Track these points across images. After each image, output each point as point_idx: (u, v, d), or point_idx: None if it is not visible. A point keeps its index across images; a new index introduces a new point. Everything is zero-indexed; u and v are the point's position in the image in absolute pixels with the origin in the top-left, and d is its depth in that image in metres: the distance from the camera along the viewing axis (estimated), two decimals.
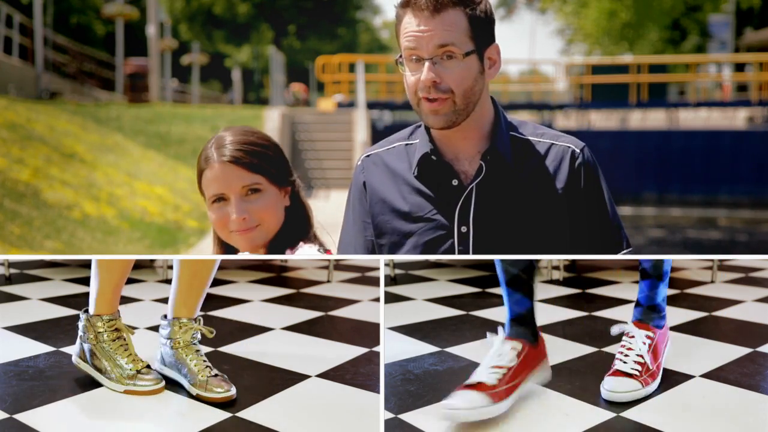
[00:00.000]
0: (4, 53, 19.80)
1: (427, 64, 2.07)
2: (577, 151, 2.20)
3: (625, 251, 2.25)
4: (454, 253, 2.19)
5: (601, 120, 25.06)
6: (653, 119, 24.95)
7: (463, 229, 2.17)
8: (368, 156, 2.31)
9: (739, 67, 32.38)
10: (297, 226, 2.28)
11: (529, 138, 2.22)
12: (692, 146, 21.29)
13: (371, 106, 20.78)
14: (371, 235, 2.28)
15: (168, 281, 5.28)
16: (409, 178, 2.23)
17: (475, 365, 3.23)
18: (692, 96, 25.93)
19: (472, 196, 2.18)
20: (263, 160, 2.21)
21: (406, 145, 2.27)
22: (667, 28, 37.38)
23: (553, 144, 2.21)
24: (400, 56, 2.13)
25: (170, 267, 5.41)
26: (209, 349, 3.51)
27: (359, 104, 19.61)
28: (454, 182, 2.18)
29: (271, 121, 18.01)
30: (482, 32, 2.12)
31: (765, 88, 23.28)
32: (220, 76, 51.16)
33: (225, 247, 2.33)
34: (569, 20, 40.32)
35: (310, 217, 2.32)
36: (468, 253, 2.18)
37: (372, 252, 2.29)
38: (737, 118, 25.71)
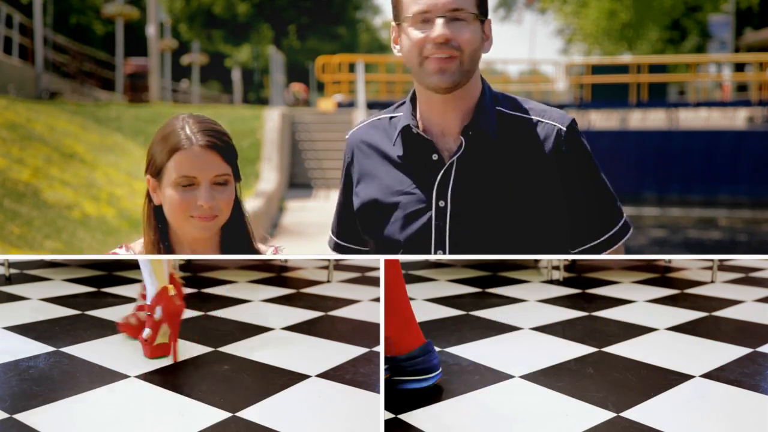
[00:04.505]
0: (4, 53, 19.79)
1: (440, 21, 2.09)
2: (564, 129, 2.17)
3: (621, 223, 2.26)
4: (431, 227, 2.17)
5: (601, 120, 25.04)
6: (653, 119, 24.94)
7: (441, 203, 2.17)
8: (353, 132, 2.34)
9: (739, 67, 32.37)
10: (238, 223, 2.28)
11: (515, 114, 2.20)
12: (692, 146, 21.27)
13: (371, 106, 20.74)
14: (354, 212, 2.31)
15: None
16: (390, 151, 2.24)
17: (475, 365, 3.24)
18: (692, 96, 25.92)
19: (452, 171, 2.17)
20: (233, 152, 2.22)
21: (390, 118, 2.28)
22: (667, 28, 37.38)
23: (539, 121, 2.18)
24: (408, 17, 2.12)
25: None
26: (209, 349, 3.51)
27: (359, 104, 19.60)
28: (434, 156, 2.18)
29: (271, 121, 18.00)
30: (484, 5, 2.16)
31: (765, 88, 23.28)
32: (220, 76, 51.17)
33: (160, 245, 2.27)
34: (569, 20, 40.31)
35: (247, 217, 2.31)
36: (444, 227, 2.16)
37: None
38: (737, 118, 25.70)
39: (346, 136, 2.35)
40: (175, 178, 2.16)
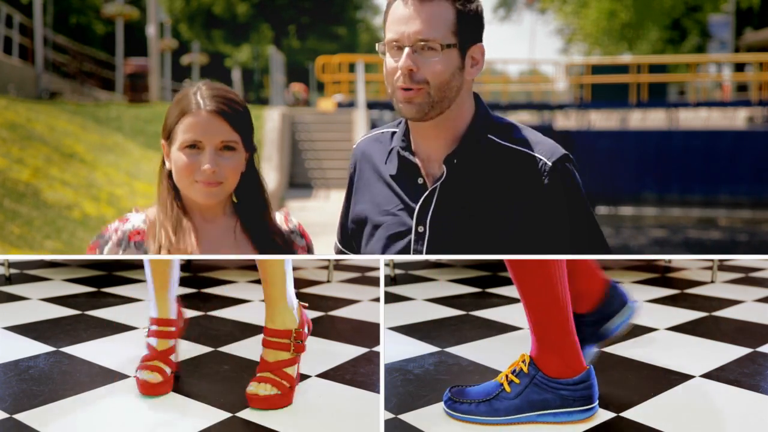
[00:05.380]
0: (4, 53, 19.78)
1: (406, 51, 2.07)
2: (549, 164, 2.13)
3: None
4: (410, 251, 2.18)
5: (601, 120, 25.04)
6: (653, 119, 24.95)
7: (420, 228, 2.17)
8: (359, 143, 2.35)
9: (739, 67, 32.37)
10: (254, 193, 2.30)
11: (505, 144, 2.17)
12: (692, 146, 21.28)
13: (371, 106, 20.75)
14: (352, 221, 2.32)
15: None
16: (383, 169, 2.25)
17: (475, 365, 3.24)
18: (692, 96, 25.91)
19: (433, 198, 2.16)
20: (243, 120, 2.24)
21: (393, 134, 2.27)
22: (667, 28, 37.38)
23: (526, 153, 2.15)
24: (383, 44, 2.13)
25: None
26: (209, 349, 3.51)
27: (359, 104, 19.60)
28: (419, 180, 2.19)
29: (271, 121, 18.00)
30: (468, 29, 2.11)
31: (765, 88, 23.28)
32: (220, 76, 51.16)
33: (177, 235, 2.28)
34: (569, 20, 40.32)
35: (264, 188, 2.33)
36: (422, 252, 2.17)
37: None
38: (737, 118, 25.70)
39: (354, 146, 2.36)
40: (182, 140, 2.20)
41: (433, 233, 2.16)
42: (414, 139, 2.20)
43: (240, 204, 2.31)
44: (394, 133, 2.27)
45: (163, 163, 2.30)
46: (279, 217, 2.36)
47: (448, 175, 2.16)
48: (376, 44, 2.17)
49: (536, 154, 2.15)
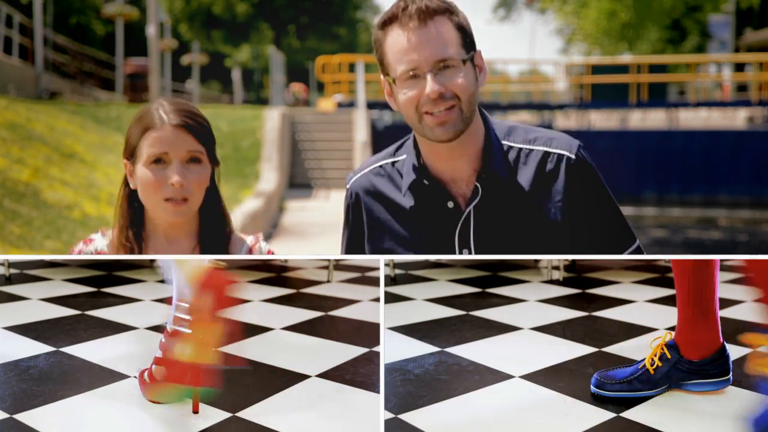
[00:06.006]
0: (4, 53, 19.79)
1: (429, 76, 2.02)
2: (573, 157, 2.14)
3: (634, 246, 2.21)
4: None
5: (601, 120, 25.05)
6: (653, 119, 24.95)
7: (465, 252, 2.14)
8: (355, 179, 2.26)
9: (739, 67, 32.39)
10: (215, 209, 2.28)
11: (522, 147, 2.16)
12: (692, 146, 21.28)
13: (371, 106, 20.76)
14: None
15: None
16: (400, 201, 2.18)
17: (475, 365, 3.24)
18: (692, 96, 25.92)
19: (471, 219, 2.13)
20: (207, 133, 2.23)
21: (393, 163, 2.21)
22: (667, 28, 37.40)
23: (546, 152, 2.14)
24: (393, 79, 2.07)
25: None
26: None
27: (359, 104, 19.60)
28: (450, 204, 2.13)
29: (271, 121, 17.99)
30: (468, 40, 2.09)
31: (765, 88, 23.28)
32: (220, 76, 51.19)
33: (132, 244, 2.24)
34: (569, 20, 40.33)
35: (223, 204, 2.31)
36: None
37: None
38: (737, 118, 25.71)
39: (347, 185, 2.27)
40: (147, 155, 2.17)
41: (480, 252, 2.13)
42: (432, 163, 2.15)
43: (201, 220, 2.27)
44: (394, 162, 2.22)
45: (125, 184, 2.26)
46: (249, 242, 2.31)
47: (483, 193, 2.12)
48: (381, 78, 2.11)
49: (557, 150, 2.15)
